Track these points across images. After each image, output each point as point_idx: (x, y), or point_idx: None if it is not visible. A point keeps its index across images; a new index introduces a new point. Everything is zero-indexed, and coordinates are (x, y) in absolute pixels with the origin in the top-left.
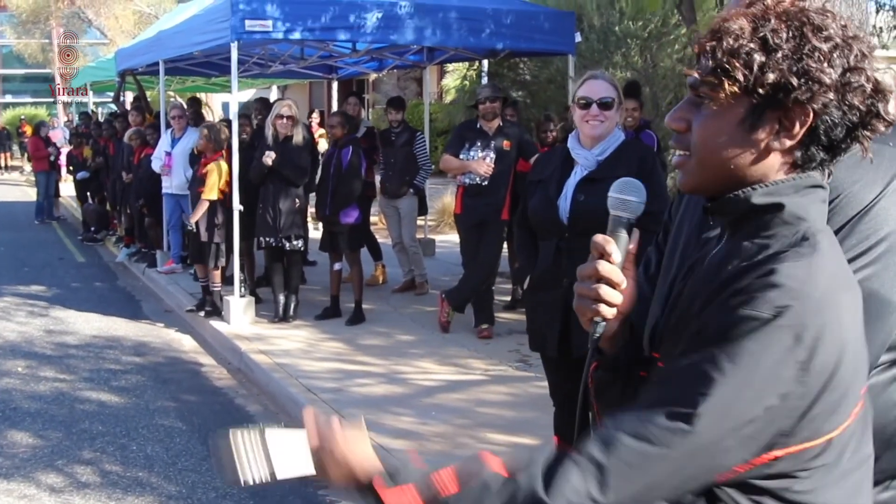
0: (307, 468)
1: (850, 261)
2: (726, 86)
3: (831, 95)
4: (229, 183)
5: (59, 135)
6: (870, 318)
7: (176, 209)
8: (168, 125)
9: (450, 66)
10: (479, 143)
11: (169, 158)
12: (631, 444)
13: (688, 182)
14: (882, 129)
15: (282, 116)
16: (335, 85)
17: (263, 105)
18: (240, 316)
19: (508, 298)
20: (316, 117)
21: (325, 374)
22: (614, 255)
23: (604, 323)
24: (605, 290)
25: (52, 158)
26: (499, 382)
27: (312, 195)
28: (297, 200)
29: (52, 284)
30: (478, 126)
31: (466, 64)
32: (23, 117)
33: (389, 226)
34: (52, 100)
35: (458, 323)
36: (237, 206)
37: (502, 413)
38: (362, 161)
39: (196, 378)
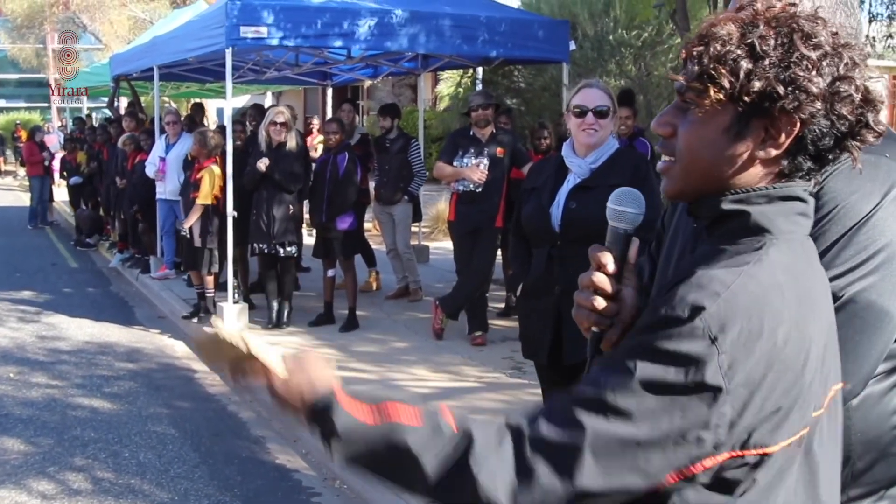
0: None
1: (848, 271)
2: (712, 92)
3: (819, 105)
4: (223, 188)
5: (54, 139)
6: (867, 329)
7: (170, 215)
8: (162, 131)
9: (444, 74)
10: (472, 151)
11: (163, 164)
12: (548, 432)
13: (672, 188)
14: (871, 139)
15: (275, 123)
16: (330, 91)
17: (258, 111)
18: (233, 322)
19: (502, 305)
20: (317, 123)
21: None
22: (609, 266)
23: (598, 332)
24: (598, 302)
25: (46, 163)
26: (492, 390)
27: (304, 202)
28: (290, 207)
29: (45, 290)
30: (471, 133)
31: (461, 71)
32: (18, 122)
33: (383, 232)
34: (46, 104)
35: (452, 330)
36: (231, 211)
37: (496, 420)
38: (358, 167)
39: (189, 384)
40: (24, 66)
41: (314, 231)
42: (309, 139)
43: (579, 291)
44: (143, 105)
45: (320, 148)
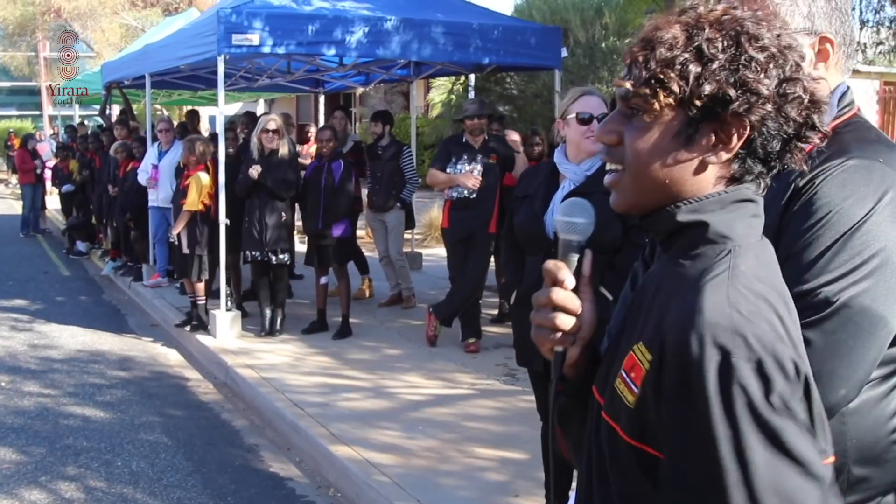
0: None
1: (842, 276)
2: (661, 97)
3: (769, 107)
4: (212, 195)
5: (46, 148)
6: (861, 334)
7: (162, 222)
8: (155, 138)
9: (436, 81)
10: (465, 157)
11: (155, 171)
12: None
13: (623, 201)
14: (818, 140)
15: (267, 131)
16: (322, 99)
17: (250, 119)
18: (226, 330)
19: (496, 312)
20: (314, 131)
21: (311, 388)
22: (568, 282)
23: (563, 350)
24: (561, 319)
25: (37, 171)
26: (486, 396)
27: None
28: (283, 214)
29: (37, 298)
30: (464, 140)
31: (453, 78)
32: (11, 130)
33: (376, 239)
34: (38, 112)
35: (446, 337)
36: (223, 219)
37: (490, 427)
38: (352, 175)
39: (182, 393)
40: (16, 73)
41: (306, 238)
42: (306, 147)
43: (537, 311)
44: (135, 113)
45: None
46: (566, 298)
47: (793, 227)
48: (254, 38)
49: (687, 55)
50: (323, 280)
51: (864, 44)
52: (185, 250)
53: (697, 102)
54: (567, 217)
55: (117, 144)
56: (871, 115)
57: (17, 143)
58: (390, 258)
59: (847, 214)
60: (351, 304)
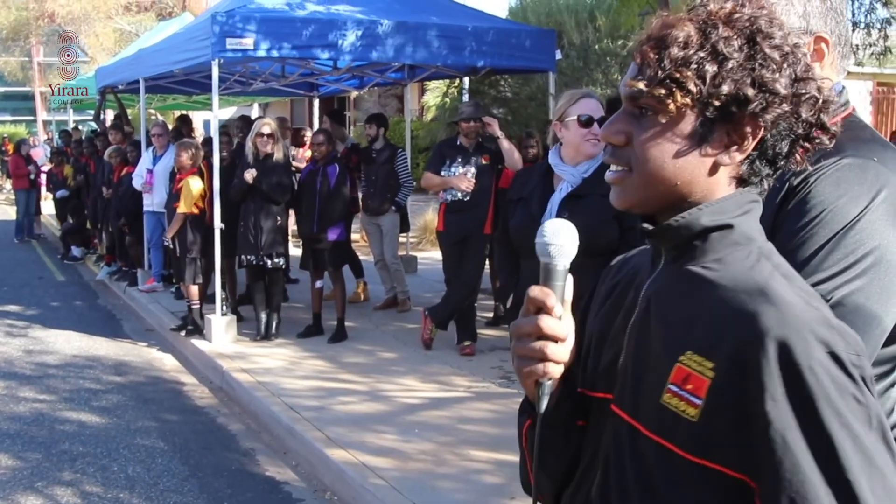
0: None
1: (836, 275)
2: (678, 97)
3: (786, 107)
4: (204, 199)
5: (41, 153)
6: (856, 333)
7: (157, 227)
8: (149, 143)
9: (431, 84)
10: (459, 160)
11: (150, 176)
12: None
13: (626, 199)
14: (826, 141)
15: (262, 135)
16: (316, 102)
17: (245, 123)
18: (221, 334)
19: (491, 315)
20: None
21: (307, 392)
22: (556, 309)
23: (550, 383)
24: (552, 349)
25: (31, 177)
26: (482, 399)
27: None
28: (278, 218)
29: (32, 304)
30: (458, 143)
31: (447, 81)
32: (5, 136)
33: (371, 243)
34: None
35: (441, 340)
36: (218, 223)
37: (486, 430)
38: (347, 178)
39: (177, 397)
40: (10, 79)
41: (300, 242)
42: (302, 151)
43: (519, 341)
44: (129, 117)
45: None
46: (556, 327)
47: (787, 225)
48: (248, 41)
49: (702, 54)
50: (318, 284)
51: (857, 45)
52: (179, 253)
53: (715, 102)
54: (548, 240)
55: (111, 149)
56: (865, 115)
57: (10, 148)
58: (385, 262)
59: (841, 213)
60: (346, 307)
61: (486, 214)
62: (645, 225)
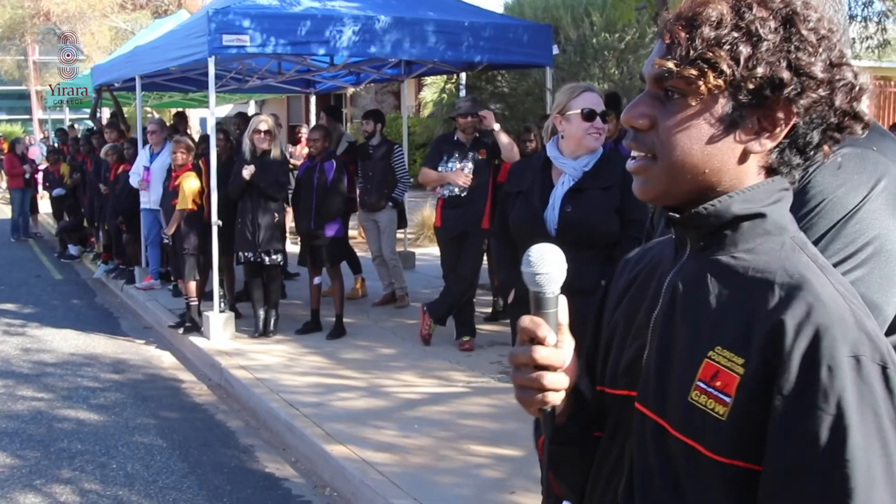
0: None
1: (836, 264)
2: (710, 79)
3: (822, 92)
4: (202, 195)
5: (37, 151)
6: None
7: (154, 224)
8: (146, 141)
9: (428, 80)
10: (456, 155)
11: (147, 173)
12: None
13: (650, 189)
14: (859, 130)
15: (259, 131)
16: (313, 99)
17: (242, 120)
18: (219, 331)
19: (489, 310)
20: (305, 132)
21: (306, 388)
22: (549, 339)
23: (552, 409)
24: (549, 379)
25: (27, 176)
26: (481, 394)
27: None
28: (275, 215)
29: (29, 302)
30: (455, 138)
31: (444, 77)
32: (1, 135)
33: (369, 239)
34: (27, 116)
35: (440, 335)
36: (216, 220)
37: (485, 425)
38: (345, 175)
39: (176, 395)
40: (6, 78)
41: (298, 239)
42: (298, 148)
43: (517, 370)
44: (125, 115)
45: None
46: (550, 356)
47: None
48: (244, 38)
49: (737, 34)
50: (316, 280)
51: (854, 38)
52: (176, 251)
53: (749, 85)
54: (535, 269)
55: (108, 147)
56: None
57: (6, 147)
58: (383, 258)
59: (841, 203)
60: (344, 303)
61: (483, 210)
62: (672, 213)
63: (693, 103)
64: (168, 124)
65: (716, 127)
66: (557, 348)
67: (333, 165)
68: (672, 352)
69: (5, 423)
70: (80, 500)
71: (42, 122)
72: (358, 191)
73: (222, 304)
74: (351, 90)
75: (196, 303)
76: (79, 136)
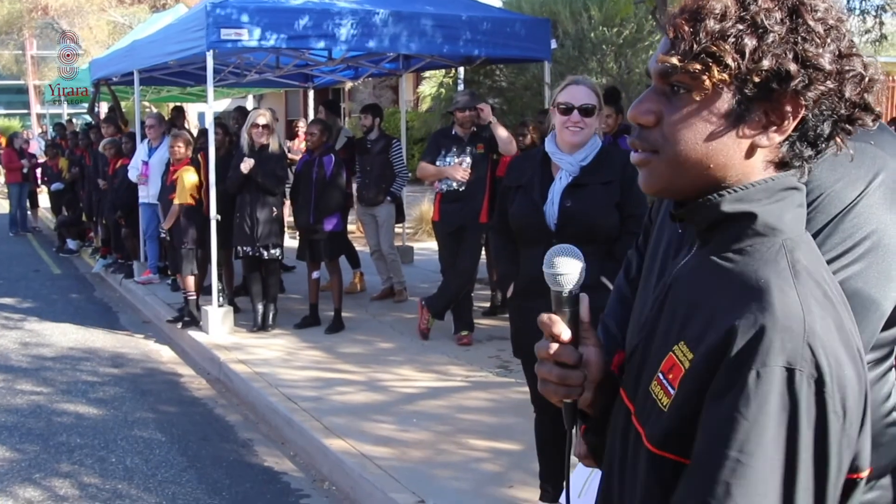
0: None
1: (834, 259)
2: (714, 73)
3: (830, 84)
4: (200, 190)
5: (36, 146)
6: (853, 317)
7: (153, 219)
8: (144, 135)
9: (426, 74)
10: (454, 150)
11: (146, 168)
12: None
13: (655, 183)
14: (870, 122)
15: (257, 125)
16: (311, 93)
17: (241, 114)
18: (218, 326)
19: (487, 305)
20: (303, 126)
21: (304, 382)
22: (563, 335)
23: (572, 403)
24: (564, 374)
25: (24, 170)
26: (479, 388)
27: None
28: (273, 209)
29: (28, 297)
30: (453, 133)
31: (443, 71)
32: None
33: (367, 234)
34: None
35: (438, 330)
36: (214, 215)
37: (483, 419)
38: (343, 169)
39: (175, 389)
40: (4, 72)
41: (297, 233)
42: (296, 142)
43: (540, 364)
44: (123, 110)
45: None
46: (562, 353)
47: None
48: (242, 32)
49: (741, 27)
50: (315, 274)
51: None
52: (175, 246)
53: (755, 79)
54: (554, 269)
55: (106, 141)
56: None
57: (3, 141)
58: (381, 252)
59: (838, 197)
60: (343, 298)
61: (481, 204)
62: (675, 206)
63: (698, 98)
64: (169, 118)
65: (721, 121)
66: (574, 345)
67: (332, 160)
68: (653, 343)
69: (4, 417)
70: (79, 493)
71: (40, 116)
72: (355, 185)
73: (221, 299)
74: (349, 84)
75: (194, 297)
76: (77, 130)
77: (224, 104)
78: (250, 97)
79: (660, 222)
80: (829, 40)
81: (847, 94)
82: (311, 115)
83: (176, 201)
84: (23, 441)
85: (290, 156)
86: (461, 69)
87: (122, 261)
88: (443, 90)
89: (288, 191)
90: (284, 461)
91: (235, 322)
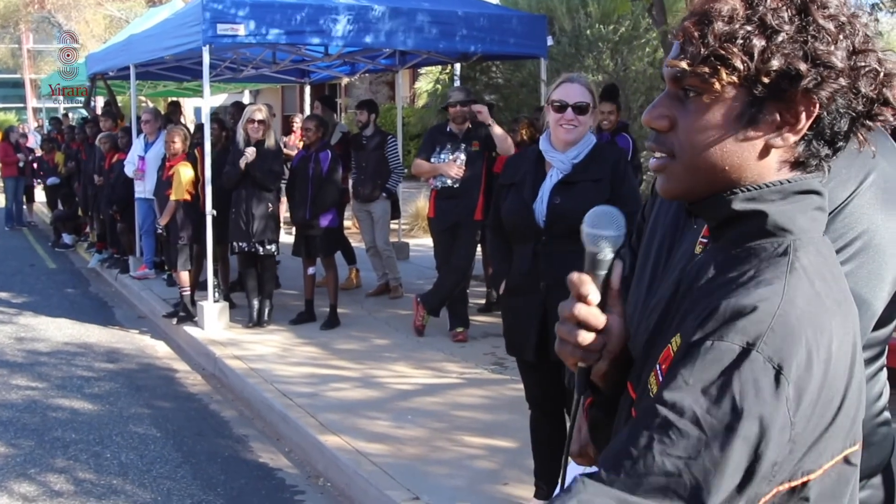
0: None
1: None
2: (723, 76)
3: (843, 81)
4: (196, 185)
5: (32, 140)
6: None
7: (149, 214)
8: (140, 130)
9: (422, 70)
10: (449, 146)
11: (142, 163)
12: None
13: (673, 188)
14: (890, 118)
15: (253, 121)
16: (308, 89)
17: (237, 109)
18: (214, 321)
19: (483, 301)
20: (299, 122)
21: (300, 378)
22: (591, 297)
23: (588, 367)
24: (582, 336)
25: (20, 164)
26: (474, 385)
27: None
28: (269, 205)
29: (23, 291)
30: (448, 129)
31: (439, 67)
32: None
33: (363, 230)
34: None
35: (433, 326)
36: (210, 210)
37: (478, 416)
38: (339, 164)
39: (170, 384)
40: (0, 66)
41: (293, 229)
42: (292, 138)
43: (561, 324)
44: (119, 104)
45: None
46: (588, 315)
47: None
48: (239, 27)
49: (749, 28)
50: (310, 270)
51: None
52: (170, 241)
53: (764, 79)
54: (595, 229)
55: (102, 136)
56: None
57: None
58: (377, 248)
59: (829, 197)
60: (339, 294)
61: (476, 201)
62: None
63: (709, 101)
64: (166, 113)
65: (733, 123)
66: (599, 310)
67: (329, 155)
68: (659, 335)
69: None
70: (74, 489)
71: (36, 110)
72: (351, 181)
73: (216, 294)
74: (345, 80)
75: (189, 293)
76: (73, 124)
77: (220, 99)
78: (247, 92)
79: (653, 219)
80: (840, 37)
81: (863, 90)
82: (308, 111)
83: (172, 197)
84: (18, 436)
85: (286, 151)
86: (457, 65)
87: (118, 256)
88: (439, 86)
89: (284, 186)
90: (279, 457)
91: (231, 318)
